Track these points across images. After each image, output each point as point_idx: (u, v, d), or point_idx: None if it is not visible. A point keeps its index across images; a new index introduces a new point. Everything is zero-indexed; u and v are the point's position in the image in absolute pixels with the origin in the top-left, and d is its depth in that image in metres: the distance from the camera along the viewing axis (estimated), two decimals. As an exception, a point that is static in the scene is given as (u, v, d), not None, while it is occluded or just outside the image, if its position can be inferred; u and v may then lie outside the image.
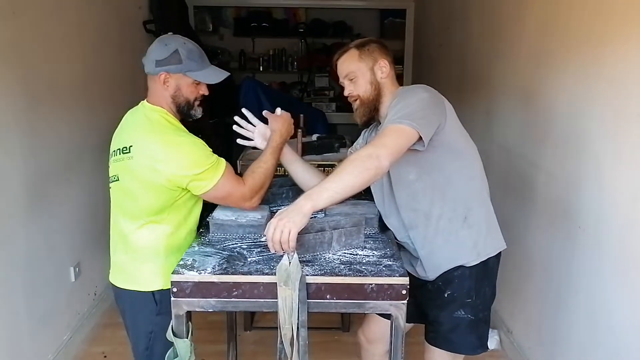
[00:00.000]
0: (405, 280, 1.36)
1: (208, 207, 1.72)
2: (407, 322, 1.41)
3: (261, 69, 6.11)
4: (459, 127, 1.63)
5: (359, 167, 1.39)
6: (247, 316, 2.87)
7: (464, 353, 1.73)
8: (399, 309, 1.36)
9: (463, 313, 1.65)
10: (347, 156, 1.89)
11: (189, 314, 1.42)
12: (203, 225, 1.70)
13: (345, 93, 1.69)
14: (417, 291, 1.63)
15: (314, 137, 3.09)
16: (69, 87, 2.69)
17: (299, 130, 2.61)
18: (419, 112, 1.47)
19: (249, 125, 1.84)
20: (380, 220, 1.74)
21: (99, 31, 3.08)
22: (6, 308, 2.15)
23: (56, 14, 2.57)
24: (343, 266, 1.42)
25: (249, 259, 1.46)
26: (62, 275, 2.63)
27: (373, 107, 1.66)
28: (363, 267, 1.41)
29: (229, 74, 1.70)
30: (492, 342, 2.71)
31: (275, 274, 1.34)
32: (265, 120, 1.82)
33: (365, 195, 1.72)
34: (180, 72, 1.57)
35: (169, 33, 1.68)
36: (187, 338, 1.43)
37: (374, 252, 1.53)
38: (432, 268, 1.66)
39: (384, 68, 1.66)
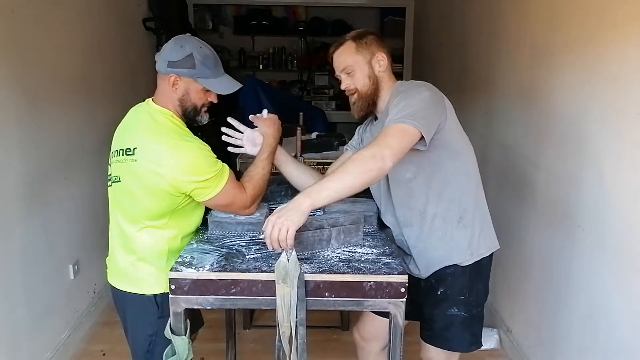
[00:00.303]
0: (404, 278, 1.35)
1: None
2: None
3: (261, 67, 6.11)
4: (457, 127, 1.63)
5: (361, 167, 1.38)
6: (246, 314, 2.86)
7: (458, 350, 1.74)
8: (397, 307, 1.36)
9: (456, 310, 1.66)
10: (343, 153, 1.90)
11: (187, 311, 1.41)
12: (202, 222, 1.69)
13: (342, 87, 1.67)
14: (411, 289, 1.63)
15: (314, 135, 3.09)
16: (68, 85, 2.68)
17: (299, 128, 2.61)
18: (422, 112, 1.46)
19: (237, 133, 1.80)
20: (379, 217, 1.73)
21: (98, 29, 3.07)
22: (5, 306, 2.14)
23: (55, 11, 2.57)
24: (342, 264, 1.41)
25: (247, 257, 1.45)
26: (61, 273, 2.63)
27: (371, 101, 1.65)
28: (362, 265, 1.41)
29: (241, 85, 1.66)
30: (492, 341, 2.71)
31: (273, 272, 1.33)
32: (251, 125, 1.78)
33: (364, 192, 1.71)
34: (192, 77, 1.53)
35: (187, 34, 1.61)
36: (185, 335, 1.42)
37: (372, 249, 1.52)
38: (424, 266, 1.66)
39: (381, 61, 1.63)
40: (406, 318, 1.38)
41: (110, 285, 1.66)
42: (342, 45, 1.65)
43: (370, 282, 1.35)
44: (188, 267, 1.39)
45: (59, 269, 2.60)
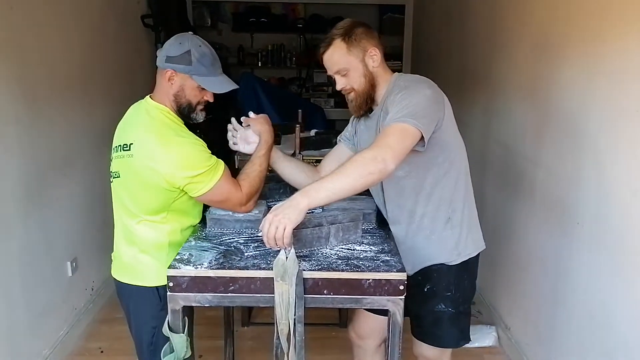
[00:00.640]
0: (403, 276, 1.35)
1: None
2: None
3: (260, 65, 6.11)
4: (453, 125, 1.62)
5: (361, 170, 1.37)
6: (244, 312, 2.86)
7: (446, 346, 1.76)
8: (396, 304, 1.36)
9: (444, 307, 1.67)
10: (337, 144, 1.88)
11: (185, 308, 1.41)
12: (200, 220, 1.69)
13: (338, 87, 1.63)
14: None
15: (312, 132, 3.09)
16: (67, 82, 2.68)
17: (297, 125, 2.61)
18: (422, 111, 1.45)
19: (232, 130, 1.79)
20: (378, 215, 1.73)
21: (97, 26, 3.06)
22: (3, 303, 2.14)
23: (53, 8, 2.56)
24: (340, 261, 1.41)
25: (245, 254, 1.45)
26: (59, 270, 2.62)
27: (369, 98, 1.63)
28: (360, 263, 1.41)
29: (237, 86, 1.67)
30: (490, 339, 2.71)
31: (272, 269, 1.33)
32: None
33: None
34: (187, 73, 1.55)
35: (189, 32, 1.64)
36: (184, 333, 1.42)
37: (371, 247, 1.52)
38: (411, 264, 1.66)
39: (374, 56, 1.59)
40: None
41: (114, 278, 1.67)
42: (331, 45, 1.58)
43: (369, 279, 1.35)
44: (186, 265, 1.38)
45: (57, 266, 2.60)
